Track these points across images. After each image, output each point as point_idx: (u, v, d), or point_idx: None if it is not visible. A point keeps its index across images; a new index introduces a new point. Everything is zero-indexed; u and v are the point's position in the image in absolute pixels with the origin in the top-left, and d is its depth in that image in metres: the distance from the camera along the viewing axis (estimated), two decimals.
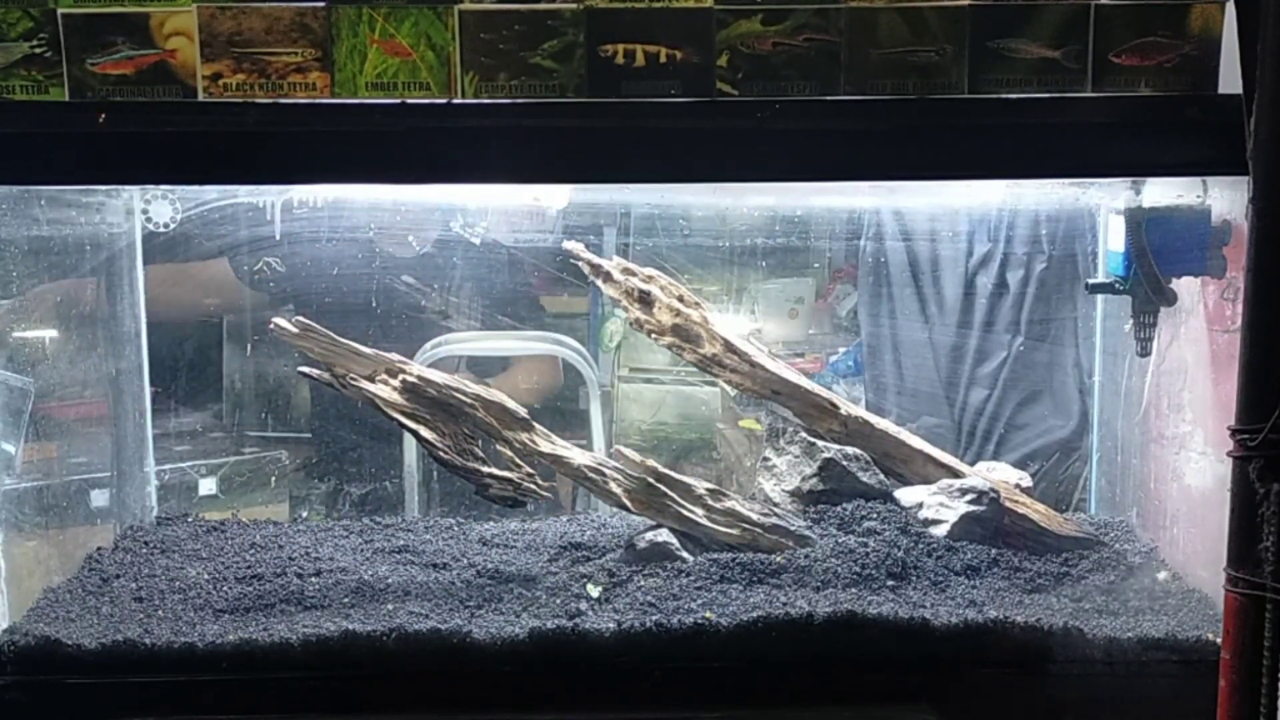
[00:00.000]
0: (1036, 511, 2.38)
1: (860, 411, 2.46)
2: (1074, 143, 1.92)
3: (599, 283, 2.39)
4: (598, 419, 3.16)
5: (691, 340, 2.38)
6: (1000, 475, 2.47)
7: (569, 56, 1.86)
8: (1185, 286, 2.27)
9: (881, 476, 2.41)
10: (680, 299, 2.39)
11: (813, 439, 2.42)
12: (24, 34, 1.84)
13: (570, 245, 2.39)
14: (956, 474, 2.42)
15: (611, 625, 2.03)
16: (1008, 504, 2.35)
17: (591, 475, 2.31)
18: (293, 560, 2.33)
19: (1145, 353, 2.34)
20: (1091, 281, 2.43)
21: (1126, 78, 1.88)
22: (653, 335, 2.39)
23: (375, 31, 1.85)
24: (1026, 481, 2.49)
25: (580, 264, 2.38)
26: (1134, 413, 2.53)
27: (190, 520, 2.62)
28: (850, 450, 2.40)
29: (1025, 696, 2.02)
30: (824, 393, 2.43)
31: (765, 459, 2.50)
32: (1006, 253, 2.90)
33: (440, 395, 2.42)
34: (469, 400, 2.41)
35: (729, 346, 2.38)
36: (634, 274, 2.39)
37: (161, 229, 2.48)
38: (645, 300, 2.38)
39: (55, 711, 2.00)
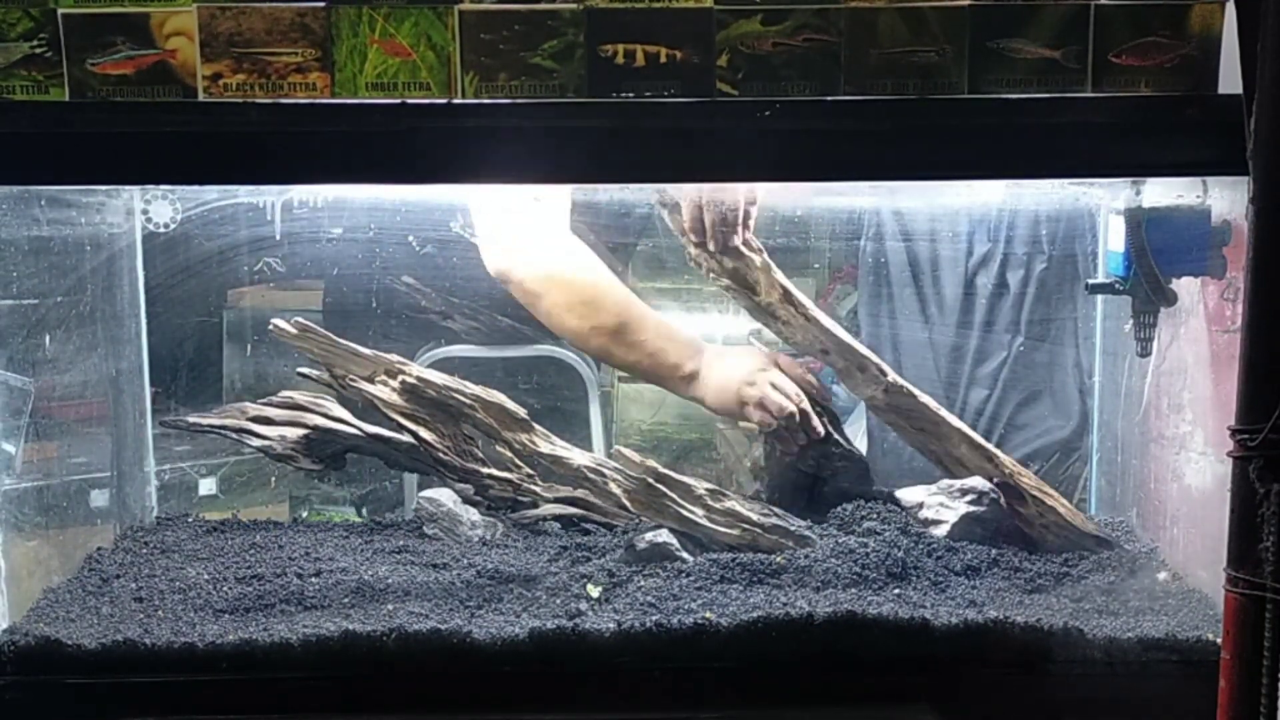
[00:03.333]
0: (1063, 505, 2.37)
1: (904, 381, 2.41)
2: (1074, 143, 1.92)
3: (663, 213, 2.33)
4: (598, 419, 3.15)
5: (749, 286, 2.33)
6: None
7: (569, 56, 1.86)
8: (1185, 286, 2.27)
9: None
10: (745, 242, 2.32)
11: None
12: (24, 34, 1.84)
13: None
14: (990, 456, 2.40)
15: (611, 625, 2.02)
16: (1036, 494, 2.34)
17: (591, 476, 2.31)
18: (293, 560, 2.33)
19: (1145, 353, 2.34)
20: (1091, 282, 2.42)
21: (1126, 78, 1.88)
22: (711, 275, 2.33)
23: (375, 31, 1.85)
24: None
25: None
26: (1134, 413, 2.52)
27: (190, 520, 2.62)
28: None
29: (1025, 696, 2.03)
30: (872, 357, 2.39)
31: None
32: (1006, 253, 2.89)
33: (440, 396, 2.42)
34: (468, 401, 2.41)
35: (786, 296, 2.33)
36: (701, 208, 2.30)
37: (161, 229, 2.49)
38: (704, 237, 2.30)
39: (55, 711, 2.00)
